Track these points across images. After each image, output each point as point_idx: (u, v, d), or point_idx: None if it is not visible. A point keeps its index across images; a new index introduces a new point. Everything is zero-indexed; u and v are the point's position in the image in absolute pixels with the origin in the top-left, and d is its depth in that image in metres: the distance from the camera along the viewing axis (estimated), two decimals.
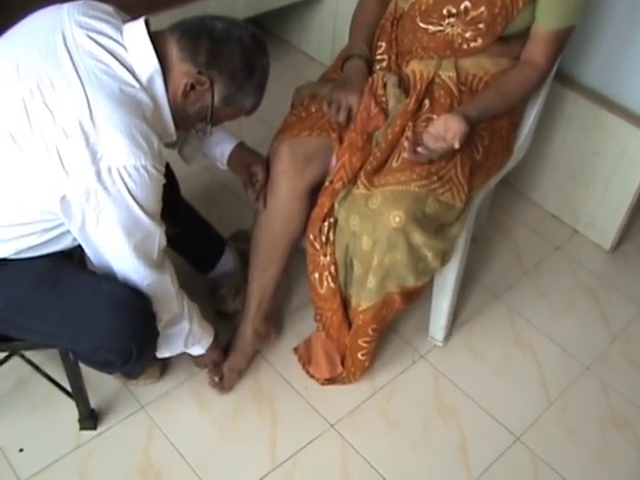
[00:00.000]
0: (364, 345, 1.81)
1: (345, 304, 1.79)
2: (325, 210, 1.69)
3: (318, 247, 1.74)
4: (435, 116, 1.65)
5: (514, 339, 2.09)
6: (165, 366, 1.87)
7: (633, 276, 2.33)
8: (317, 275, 1.77)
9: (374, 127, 1.69)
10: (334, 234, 1.71)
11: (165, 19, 1.49)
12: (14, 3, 1.57)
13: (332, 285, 1.76)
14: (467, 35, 1.68)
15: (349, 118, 1.71)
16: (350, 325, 1.81)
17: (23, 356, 1.73)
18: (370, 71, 1.78)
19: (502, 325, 2.13)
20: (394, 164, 1.63)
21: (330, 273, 1.75)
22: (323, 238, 1.72)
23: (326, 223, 1.71)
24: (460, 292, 2.02)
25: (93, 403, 1.75)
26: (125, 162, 1.24)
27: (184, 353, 1.73)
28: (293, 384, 1.89)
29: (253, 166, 1.74)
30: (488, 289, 2.22)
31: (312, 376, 1.90)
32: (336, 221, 1.70)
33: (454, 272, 1.88)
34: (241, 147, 1.77)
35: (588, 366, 2.03)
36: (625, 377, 2.01)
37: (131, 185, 1.26)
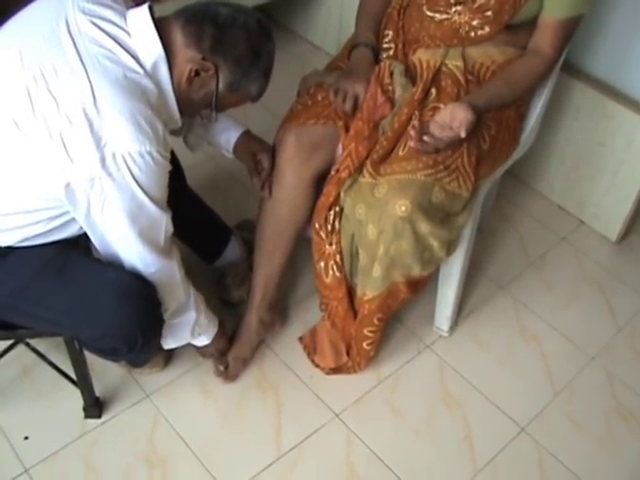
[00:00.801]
0: (369, 335, 1.80)
1: (351, 293, 1.79)
2: (331, 199, 1.68)
3: (324, 236, 1.73)
4: (442, 105, 1.65)
5: (519, 330, 2.08)
6: (170, 355, 1.87)
7: (639, 267, 2.32)
8: (322, 264, 1.77)
9: (380, 116, 1.69)
10: (340, 223, 1.71)
11: (169, 6, 1.49)
12: None
13: (337, 274, 1.76)
14: (474, 23, 1.67)
15: (355, 107, 1.70)
16: (355, 314, 1.80)
17: (28, 344, 1.73)
18: (377, 60, 1.77)
19: (507, 316, 2.12)
20: (400, 153, 1.63)
21: (336, 262, 1.74)
22: (329, 227, 1.72)
23: (332, 212, 1.70)
24: (465, 283, 2.02)
25: (98, 391, 1.75)
26: (130, 148, 1.23)
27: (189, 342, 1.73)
28: (298, 373, 1.89)
29: (259, 154, 1.74)
30: (493, 280, 2.22)
31: (317, 365, 1.90)
32: (342, 210, 1.69)
33: (460, 262, 1.88)
34: (247, 135, 1.76)
35: (593, 357, 2.03)
36: (630, 368, 2.01)
37: (136, 171, 1.26)
